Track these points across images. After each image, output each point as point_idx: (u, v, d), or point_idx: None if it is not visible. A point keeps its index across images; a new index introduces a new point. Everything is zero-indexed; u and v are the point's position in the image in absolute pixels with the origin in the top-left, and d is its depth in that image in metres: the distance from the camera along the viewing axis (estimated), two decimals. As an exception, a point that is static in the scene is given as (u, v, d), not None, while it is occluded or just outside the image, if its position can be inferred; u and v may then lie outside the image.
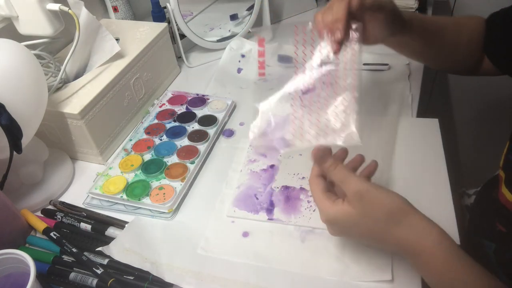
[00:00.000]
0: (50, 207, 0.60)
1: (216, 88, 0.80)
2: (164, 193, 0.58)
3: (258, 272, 0.49)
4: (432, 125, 0.65)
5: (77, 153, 0.67)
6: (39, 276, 0.48)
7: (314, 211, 0.55)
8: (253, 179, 0.60)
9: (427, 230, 0.41)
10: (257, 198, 0.57)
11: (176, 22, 0.81)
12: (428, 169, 0.58)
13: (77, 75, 0.70)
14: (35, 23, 0.63)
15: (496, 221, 0.60)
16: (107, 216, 0.57)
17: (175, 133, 0.69)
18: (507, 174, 0.56)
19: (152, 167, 0.62)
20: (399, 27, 0.57)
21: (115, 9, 0.86)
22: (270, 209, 0.56)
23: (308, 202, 0.56)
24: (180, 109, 0.74)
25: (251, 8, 0.89)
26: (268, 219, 0.55)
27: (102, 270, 0.49)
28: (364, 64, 0.80)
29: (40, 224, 0.56)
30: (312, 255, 0.50)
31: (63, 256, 0.53)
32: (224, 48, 0.86)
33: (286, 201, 0.57)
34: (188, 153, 0.64)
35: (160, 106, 0.75)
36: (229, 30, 0.91)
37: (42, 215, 0.59)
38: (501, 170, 0.58)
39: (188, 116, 0.72)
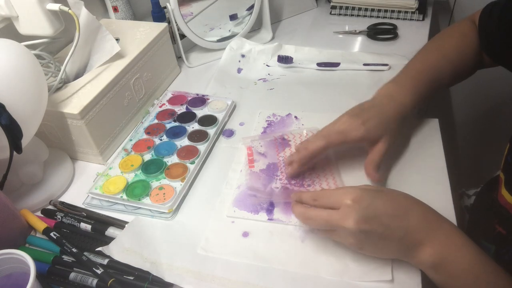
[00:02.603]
0: (50, 207, 0.60)
1: (216, 88, 0.80)
2: (164, 193, 0.58)
3: (258, 272, 0.49)
4: (432, 125, 0.65)
5: (77, 153, 0.67)
6: (39, 276, 0.48)
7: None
8: (253, 180, 0.60)
9: (452, 230, 0.44)
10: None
11: (176, 22, 0.82)
12: (428, 169, 0.58)
13: (77, 75, 0.70)
14: (35, 23, 0.63)
15: (496, 223, 0.60)
16: (107, 216, 0.57)
17: (175, 133, 0.69)
18: (506, 176, 0.56)
19: (152, 167, 0.62)
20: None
21: (115, 9, 0.86)
22: (270, 209, 0.56)
23: None
24: (180, 109, 0.74)
25: (251, 8, 0.89)
26: (268, 219, 0.55)
27: (102, 270, 0.49)
28: (364, 64, 0.80)
29: (40, 224, 0.56)
30: (312, 255, 0.50)
31: (63, 256, 0.53)
32: (224, 48, 0.86)
33: (286, 201, 0.56)
34: (188, 153, 0.64)
35: (160, 106, 0.75)
36: (229, 30, 0.92)
37: (42, 215, 0.59)
38: (501, 172, 0.58)
39: (188, 116, 0.72)
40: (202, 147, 0.66)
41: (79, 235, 0.55)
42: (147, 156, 0.65)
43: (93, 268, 0.49)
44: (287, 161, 0.58)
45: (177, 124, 0.71)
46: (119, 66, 0.68)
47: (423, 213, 0.45)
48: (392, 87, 0.60)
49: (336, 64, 0.82)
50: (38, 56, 0.64)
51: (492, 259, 0.43)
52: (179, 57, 0.87)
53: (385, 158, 0.56)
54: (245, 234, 0.54)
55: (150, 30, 0.77)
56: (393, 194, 0.47)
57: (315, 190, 0.56)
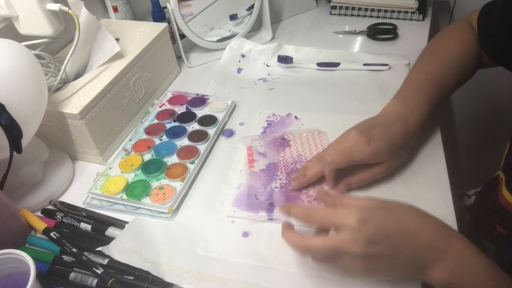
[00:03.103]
0: (50, 207, 0.60)
1: (216, 88, 0.80)
2: (164, 193, 0.58)
3: (258, 272, 0.49)
4: (432, 130, 0.65)
5: (77, 153, 0.67)
6: (39, 276, 0.48)
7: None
8: (253, 179, 0.60)
9: (448, 229, 0.42)
10: (257, 198, 0.57)
11: (176, 22, 0.82)
12: (428, 169, 0.58)
13: (77, 75, 0.70)
14: (35, 23, 0.63)
15: (497, 223, 0.60)
16: (107, 216, 0.57)
17: (175, 133, 0.69)
18: (507, 176, 0.56)
19: (152, 167, 0.62)
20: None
21: (115, 9, 0.86)
22: (270, 209, 0.56)
23: (308, 202, 0.56)
24: (180, 109, 0.74)
25: (251, 8, 0.89)
26: (268, 219, 0.55)
27: (102, 270, 0.49)
28: (364, 64, 0.80)
29: (40, 224, 0.56)
30: (312, 255, 0.50)
31: (63, 256, 0.53)
32: (224, 48, 0.86)
33: (286, 201, 0.56)
34: (188, 153, 0.64)
35: (160, 106, 0.75)
36: (229, 30, 0.92)
37: (42, 215, 0.59)
38: (501, 172, 0.58)
39: (188, 116, 0.72)
40: (202, 147, 0.66)
41: (79, 235, 0.55)
42: (147, 156, 0.65)
43: (93, 268, 0.49)
44: (293, 176, 0.57)
45: (177, 124, 0.71)
46: (119, 66, 0.68)
47: (435, 232, 0.42)
48: (399, 105, 0.58)
49: (336, 64, 0.82)
50: (38, 56, 0.64)
51: (508, 275, 0.41)
52: (179, 57, 0.87)
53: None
54: (245, 234, 0.54)
55: (150, 30, 0.77)
56: (402, 213, 0.43)
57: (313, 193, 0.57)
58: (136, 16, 0.91)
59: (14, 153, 0.52)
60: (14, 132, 0.50)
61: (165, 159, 0.64)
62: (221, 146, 0.68)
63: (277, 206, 0.56)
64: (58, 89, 0.65)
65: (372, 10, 0.96)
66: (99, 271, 0.49)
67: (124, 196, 0.58)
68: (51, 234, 0.54)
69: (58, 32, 0.65)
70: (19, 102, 0.51)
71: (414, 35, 0.90)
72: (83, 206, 0.60)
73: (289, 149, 0.64)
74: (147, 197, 0.58)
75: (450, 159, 0.59)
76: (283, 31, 0.97)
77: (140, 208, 0.58)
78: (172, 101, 0.76)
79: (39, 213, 0.59)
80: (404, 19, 0.95)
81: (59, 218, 0.57)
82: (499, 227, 0.59)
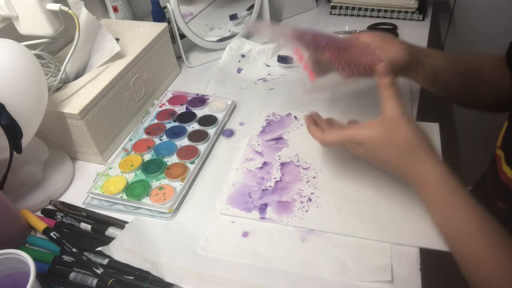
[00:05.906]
0: (50, 207, 0.60)
1: (216, 88, 0.80)
2: (164, 193, 0.58)
3: (258, 272, 0.49)
4: (432, 129, 0.64)
5: (77, 153, 0.67)
6: (39, 276, 0.48)
7: (306, 211, 0.55)
8: (248, 178, 0.60)
9: (431, 167, 0.46)
10: (250, 197, 0.57)
11: (176, 22, 0.82)
12: None
13: (77, 75, 0.70)
14: (35, 23, 0.63)
15: (497, 200, 0.61)
16: (107, 216, 0.57)
17: (175, 133, 0.69)
18: (506, 152, 0.57)
19: (152, 167, 0.62)
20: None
21: (115, 9, 0.86)
22: (263, 208, 0.56)
23: (301, 202, 0.56)
24: (180, 109, 0.74)
25: (251, 8, 0.89)
26: (260, 218, 0.55)
27: (102, 270, 0.49)
28: (364, 64, 0.80)
29: (40, 224, 0.56)
30: (312, 255, 0.50)
31: (63, 256, 0.53)
32: (224, 48, 0.86)
33: (279, 201, 0.56)
34: (188, 153, 0.64)
35: (160, 106, 0.75)
36: (229, 30, 0.92)
37: (42, 215, 0.59)
38: (499, 149, 0.59)
39: (188, 116, 0.72)
40: (202, 147, 0.66)
41: (79, 235, 0.55)
42: (147, 156, 0.65)
43: (93, 268, 0.49)
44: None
45: (177, 124, 0.71)
46: (119, 66, 0.68)
47: (414, 170, 0.47)
48: None
49: (336, 64, 0.82)
50: (38, 56, 0.64)
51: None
52: (179, 57, 0.87)
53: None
54: (245, 234, 0.54)
55: (150, 30, 0.77)
56: (408, 139, 0.48)
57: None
58: (136, 16, 0.91)
59: (14, 153, 0.52)
60: (14, 132, 0.50)
61: (165, 159, 0.64)
62: (221, 146, 0.68)
63: (270, 206, 0.56)
64: (58, 89, 0.65)
65: (372, 10, 0.96)
66: (99, 271, 0.49)
67: (124, 196, 0.58)
68: (51, 234, 0.54)
69: (58, 32, 0.65)
70: (19, 102, 0.51)
71: (414, 35, 0.90)
72: (83, 206, 0.60)
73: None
74: (147, 197, 0.58)
75: (450, 159, 0.59)
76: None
77: (140, 208, 0.58)
78: (172, 101, 0.76)
79: (39, 213, 0.59)
80: (404, 19, 0.95)
81: (59, 218, 0.57)
82: (499, 203, 0.60)
